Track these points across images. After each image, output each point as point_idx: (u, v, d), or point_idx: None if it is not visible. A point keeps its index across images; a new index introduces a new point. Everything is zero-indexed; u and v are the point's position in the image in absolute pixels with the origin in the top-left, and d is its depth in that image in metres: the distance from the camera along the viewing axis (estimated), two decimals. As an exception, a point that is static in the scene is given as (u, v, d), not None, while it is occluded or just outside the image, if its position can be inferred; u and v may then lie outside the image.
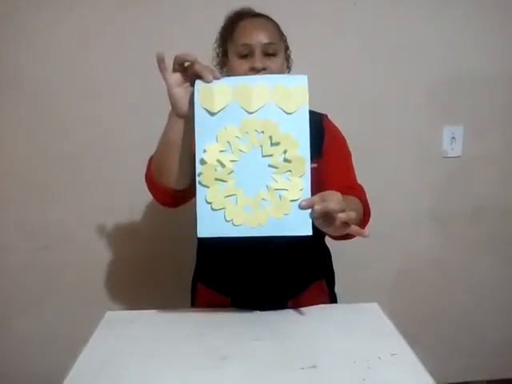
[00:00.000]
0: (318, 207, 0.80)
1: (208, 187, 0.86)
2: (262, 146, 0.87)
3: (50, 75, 1.48)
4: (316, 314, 1.04)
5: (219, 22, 1.15)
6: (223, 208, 0.86)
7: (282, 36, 1.12)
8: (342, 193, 0.87)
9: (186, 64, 0.88)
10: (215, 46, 1.17)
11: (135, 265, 1.63)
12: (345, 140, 1.19)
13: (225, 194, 0.86)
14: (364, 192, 1.09)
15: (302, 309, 1.06)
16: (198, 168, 0.86)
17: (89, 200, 1.57)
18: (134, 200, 1.57)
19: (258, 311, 1.05)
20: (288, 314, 1.04)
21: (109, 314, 1.06)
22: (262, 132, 0.87)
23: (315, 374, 0.81)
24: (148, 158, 1.06)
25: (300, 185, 0.86)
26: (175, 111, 0.93)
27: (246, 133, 0.86)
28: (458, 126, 1.66)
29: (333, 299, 1.22)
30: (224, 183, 0.86)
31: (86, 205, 1.58)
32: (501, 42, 1.62)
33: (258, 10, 1.11)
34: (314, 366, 0.83)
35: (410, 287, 1.77)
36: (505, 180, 1.73)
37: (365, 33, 1.55)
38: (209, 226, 0.86)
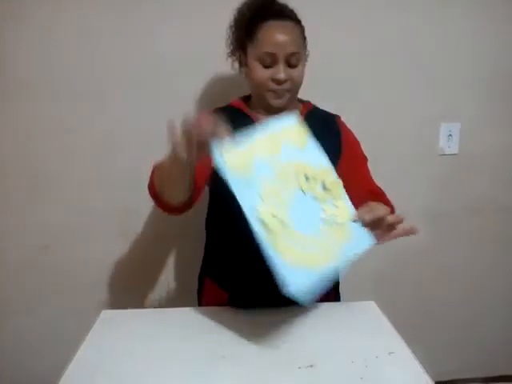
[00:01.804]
0: (368, 217, 0.87)
1: (274, 243, 0.82)
2: (301, 186, 0.88)
3: (49, 75, 1.47)
4: (313, 313, 1.05)
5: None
6: (295, 257, 0.83)
7: (304, 39, 1.11)
8: (371, 200, 0.95)
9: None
10: (229, 32, 1.15)
11: (134, 264, 1.63)
12: (359, 142, 1.21)
13: (291, 242, 0.83)
14: (383, 192, 1.15)
15: (300, 308, 1.06)
16: (259, 230, 0.82)
17: (89, 200, 1.57)
18: (134, 199, 1.58)
19: (257, 309, 1.05)
20: (286, 314, 1.04)
21: (104, 313, 1.07)
22: (297, 174, 0.88)
23: (313, 374, 0.82)
24: (151, 162, 1.04)
25: (345, 205, 0.90)
26: (178, 160, 0.84)
27: (283, 180, 0.87)
28: (454, 124, 1.66)
29: (337, 298, 1.24)
30: (287, 233, 0.83)
31: (86, 205, 1.58)
32: (498, 40, 1.62)
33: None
34: (312, 366, 0.84)
35: (408, 285, 1.78)
36: (502, 178, 1.73)
37: (363, 31, 1.55)
38: (292, 280, 0.80)
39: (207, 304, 1.20)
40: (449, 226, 1.75)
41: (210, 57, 1.38)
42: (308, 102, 1.20)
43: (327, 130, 1.15)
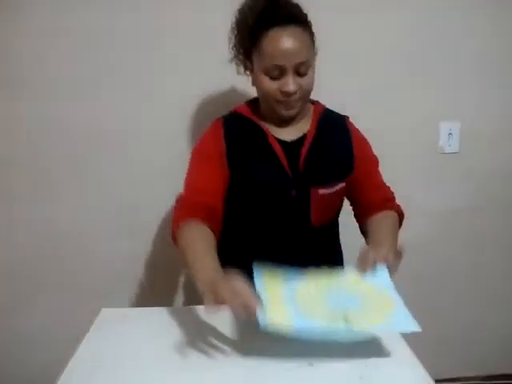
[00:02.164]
0: (366, 267, 0.93)
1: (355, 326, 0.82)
2: (321, 286, 0.91)
3: (50, 75, 1.48)
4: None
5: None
6: (378, 319, 0.86)
7: (313, 42, 1.03)
8: (381, 209, 1.10)
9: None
10: (232, 36, 1.08)
11: (135, 264, 1.64)
12: (369, 143, 1.21)
13: (366, 317, 0.85)
14: (394, 195, 1.20)
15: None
16: (342, 329, 0.82)
17: (90, 200, 1.58)
18: (134, 199, 1.58)
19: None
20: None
21: (104, 313, 1.07)
22: (310, 281, 0.92)
23: (312, 373, 0.81)
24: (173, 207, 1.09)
25: (350, 274, 0.96)
26: None
27: (308, 293, 0.89)
28: (455, 122, 1.66)
29: None
30: (358, 317, 0.84)
31: (86, 205, 1.58)
32: (498, 39, 1.61)
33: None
34: (311, 365, 0.83)
35: (408, 284, 1.76)
36: (502, 176, 1.73)
37: (362, 31, 1.54)
38: (402, 321, 0.85)
39: None
40: (449, 225, 1.74)
41: (211, 56, 1.38)
42: (318, 103, 1.17)
43: (338, 132, 1.15)
